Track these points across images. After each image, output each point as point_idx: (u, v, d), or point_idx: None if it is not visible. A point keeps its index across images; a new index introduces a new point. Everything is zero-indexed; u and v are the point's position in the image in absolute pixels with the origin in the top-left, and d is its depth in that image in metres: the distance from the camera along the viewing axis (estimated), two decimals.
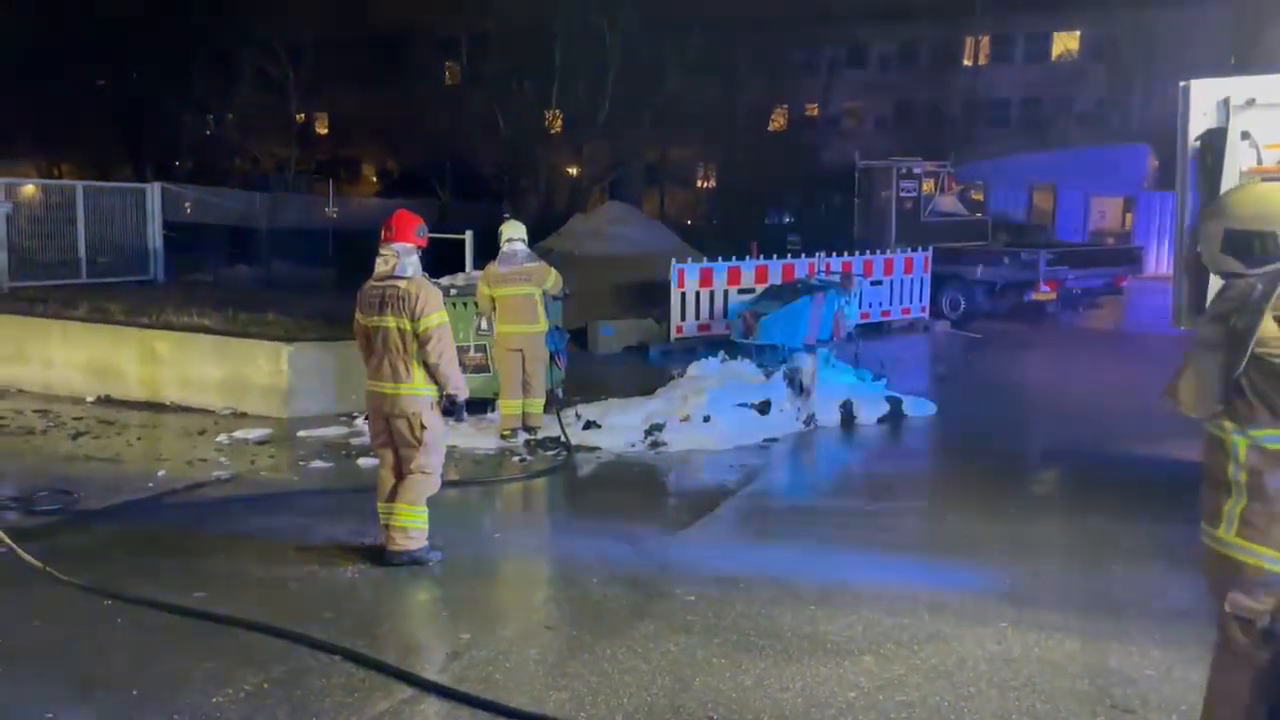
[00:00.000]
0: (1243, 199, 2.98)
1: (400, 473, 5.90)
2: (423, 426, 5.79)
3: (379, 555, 5.89)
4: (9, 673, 4.56)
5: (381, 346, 5.81)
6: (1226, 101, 7.43)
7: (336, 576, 5.71)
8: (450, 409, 5.94)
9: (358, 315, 5.95)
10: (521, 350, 8.76)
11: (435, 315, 5.74)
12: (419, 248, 5.92)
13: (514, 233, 8.92)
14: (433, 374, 5.77)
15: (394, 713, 4.16)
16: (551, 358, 9.03)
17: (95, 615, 5.14)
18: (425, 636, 5.21)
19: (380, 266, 5.86)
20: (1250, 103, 7.26)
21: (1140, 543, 6.26)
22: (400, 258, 5.81)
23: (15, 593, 5.41)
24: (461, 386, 5.89)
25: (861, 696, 4.29)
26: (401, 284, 5.77)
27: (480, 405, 9.46)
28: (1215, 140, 7.53)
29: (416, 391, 5.78)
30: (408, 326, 5.72)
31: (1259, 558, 2.79)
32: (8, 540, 5.79)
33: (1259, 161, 7.24)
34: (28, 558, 5.61)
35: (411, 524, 5.82)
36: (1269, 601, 2.78)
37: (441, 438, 5.98)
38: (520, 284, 8.74)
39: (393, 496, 5.88)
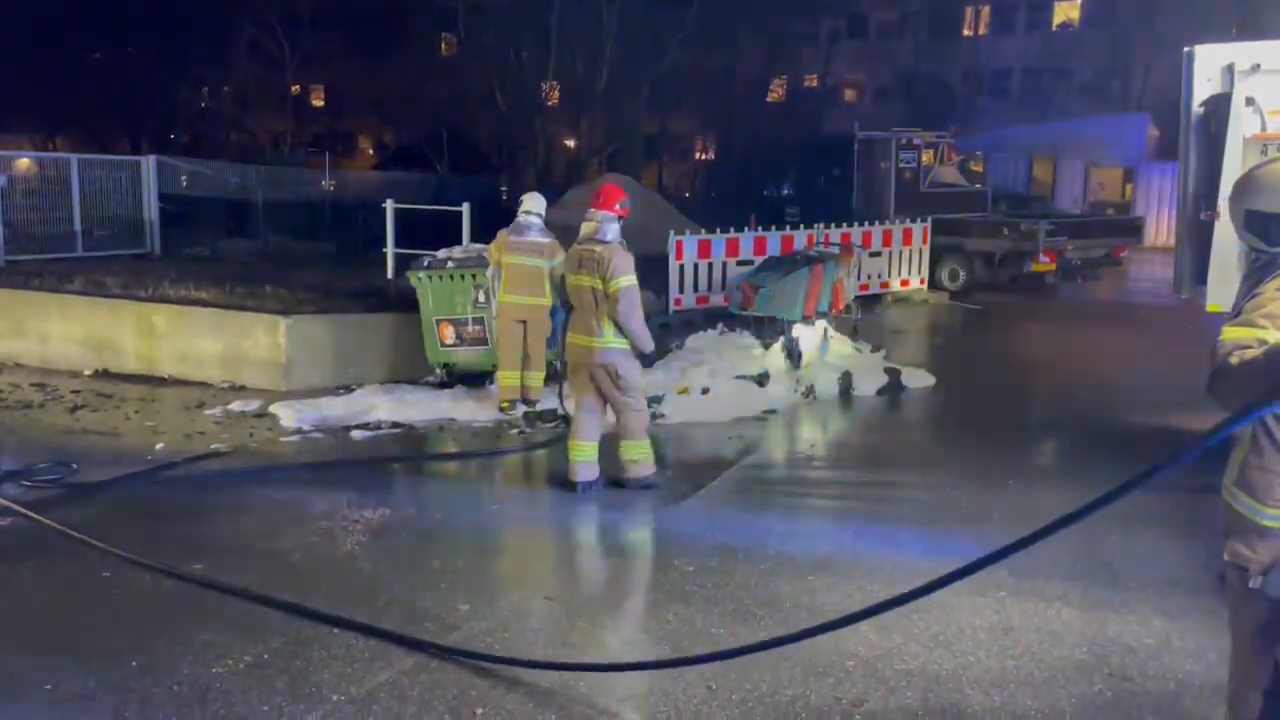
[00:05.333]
0: (1266, 178, 2.94)
1: (615, 417, 6.75)
2: (619, 374, 6.54)
3: (377, 526, 5.90)
4: (9, 643, 4.56)
5: (580, 303, 6.57)
6: (1231, 67, 7.35)
7: (335, 548, 5.70)
8: (642, 362, 6.72)
9: (567, 274, 6.72)
10: (525, 321, 8.72)
11: (624, 278, 6.40)
12: (620, 218, 6.58)
13: (532, 205, 8.88)
14: (622, 330, 6.46)
15: (394, 683, 4.16)
16: (554, 333, 8.98)
17: (95, 586, 5.14)
18: (424, 607, 5.20)
19: (585, 229, 6.59)
20: (1255, 68, 7.20)
21: (1139, 513, 6.24)
22: (602, 225, 6.52)
23: (14, 563, 5.41)
24: (649, 343, 6.61)
25: (860, 665, 4.30)
26: (599, 248, 6.47)
27: (478, 377, 9.46)
28: (1219, 106, 7.47)
29: (608, 344, 6.50)
30: (600, 286, 6.42)
31: (1253, 511, 2.84)
32: (18, 508, 5.76)
33: (1263, 127, 7.18)
34: (49, 523, 5.60)
35: (640, 455, 6.72)
36: (1262, 554, 2.81)
37: (638, 378, 6.69)
38: (529, 254, 8.69)
39: (582, 435, 6.66)
